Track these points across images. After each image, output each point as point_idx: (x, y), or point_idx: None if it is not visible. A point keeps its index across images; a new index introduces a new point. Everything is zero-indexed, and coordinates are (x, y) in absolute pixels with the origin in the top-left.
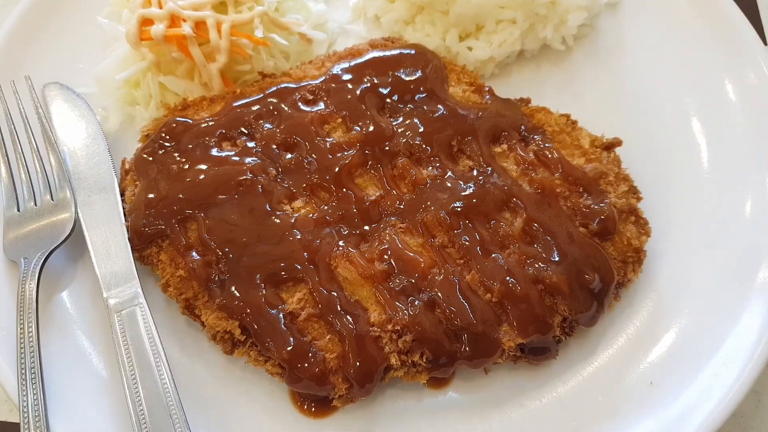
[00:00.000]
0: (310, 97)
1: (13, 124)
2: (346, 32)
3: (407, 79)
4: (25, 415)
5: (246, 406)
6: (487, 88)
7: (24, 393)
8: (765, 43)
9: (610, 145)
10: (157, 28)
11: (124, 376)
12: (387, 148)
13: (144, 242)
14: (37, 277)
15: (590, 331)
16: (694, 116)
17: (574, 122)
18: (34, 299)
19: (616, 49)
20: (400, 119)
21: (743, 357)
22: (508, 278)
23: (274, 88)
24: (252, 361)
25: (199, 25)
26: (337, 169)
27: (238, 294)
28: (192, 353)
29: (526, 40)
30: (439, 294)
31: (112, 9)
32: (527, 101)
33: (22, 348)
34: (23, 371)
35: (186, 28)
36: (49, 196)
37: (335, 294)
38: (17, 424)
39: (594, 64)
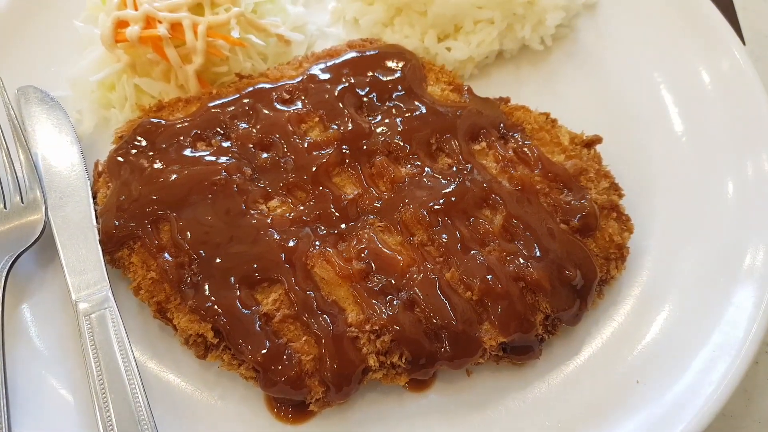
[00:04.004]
0: (287, 97)
1: None
2: (325, 35)
3: (385, 78)
4: None
5: (220, 413)
6: (465, 87)
7: None
8: (744, 44)
9: (591, 143)
10: (132, 30)
11: (91, 382)
12: (365, 147)
13: (115, 244)
14: (3, 281)
15: (574, 330)
16: (673, 111)
17: (554, 120)
18: (0, 303)
19: (594, 48)
20: (378, 118)
21: (731, 352)
22: (488, 276)
23: (251, 88)
24: (225, 366)
25: (175, 27)
26: (314, 168)
27: (211, 296)
28: (164, 359)
29: (505, 40)
30: (419, 293)
31: (88, 13)
32: (506, 100)
33: None
34: None
35: (161, 30)
36: (19, 198)
37: (312, 294)
38: None
39: (573, 63)
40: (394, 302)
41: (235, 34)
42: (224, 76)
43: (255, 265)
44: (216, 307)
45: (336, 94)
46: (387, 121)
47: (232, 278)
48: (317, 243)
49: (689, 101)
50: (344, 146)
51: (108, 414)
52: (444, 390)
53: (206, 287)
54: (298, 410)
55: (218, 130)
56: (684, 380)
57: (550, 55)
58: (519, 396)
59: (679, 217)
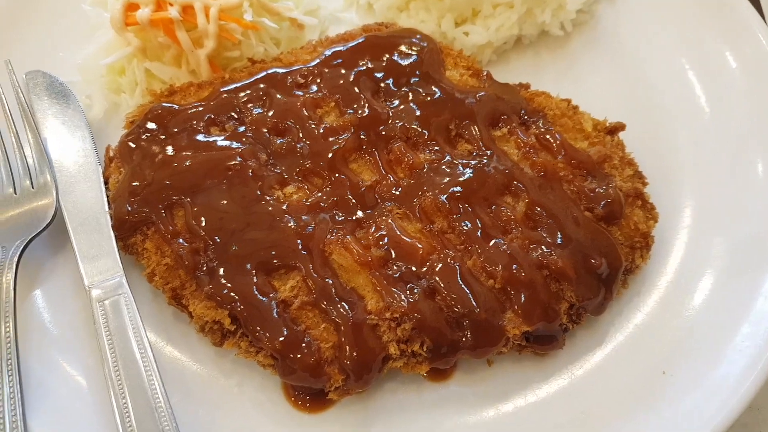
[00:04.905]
0: (302, 81)
1: None
2: (338, 20)
3: (402, 62)
4: (0, 409)
5: (237, 401)
6: (484, 72)
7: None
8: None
9: (614, 129)
10: (143, 12)
11: (106, 369)
12: (382, 133)
13: (128, 230)
14: (15, 266)
15: (598, 321)
16: (698, 96)
17: (575, 107)
18: (12, 289)
19: (615, 35)
20: (396, 103)
21: (760, 343)
22: (511, 263)
23: (265, 73)
24: (243, 353)
25: (187, 10)
26: (330, 154)
27: (227, 282)
28: (179, 347)
29: (524, 25)
30: (439, 281)
31: None
32: (527, 86)
33: None
34: None
35: (173, 12)
36: (29, 183)
37: (330, 281)
38: None
39: (593, 50)
40: (415, 290)
41: (248, 17)
42: (236, 61)
43: (272, 252)
44: (233, 293)
45: (352, 78)
46: (405, 106)
47: (249, 265)
48: (335, 230)
49: (715, 86)
50: (361, 132)
51: (124, 401)
52: (464, 380)
53: (222, 273)
54: (316, 399)
55: (232, 114)
56: (712, 372)
57: (569, 41)
58: (542, 387)
59: (707, 205)
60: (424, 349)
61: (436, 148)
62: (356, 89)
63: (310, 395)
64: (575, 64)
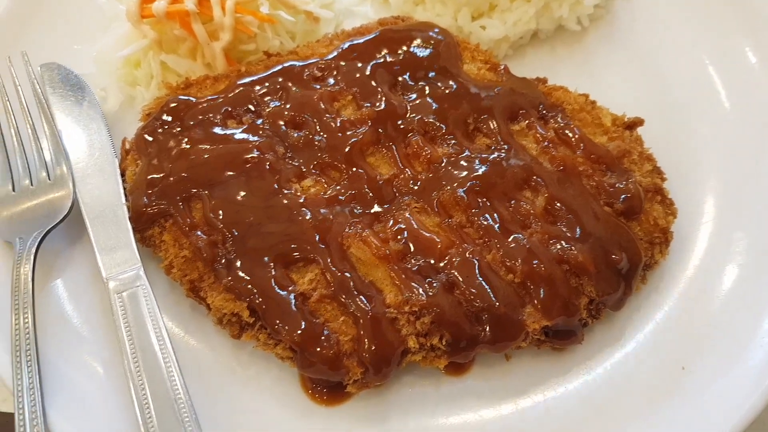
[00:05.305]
0: (319, 74)
1: (9, 101)
2: (353, 14)
3: (419, 55)
4: (20, 400)
5: (254, 393)
6: (502, 67)
7: (18, 377)
8: None
9: (632, 125)
10: (159, 4)
11: (125, 360)
12: (400, 126)
13: (146, 222)
14: (33, 258)
15: (616, 316)
16: (718, 92)
17: (593, 102)
18: (30, 280)
19: (631, 30)
20: (413, 96)
21: None
22: (530, 258)
23: (282, 66)
24: (261, 345)
25: (203, 2)
26: (348, 148)
27: (246, 274)
28: (197, 339)
29: (541, 19)
30: (458, 275)
31: None
32: (544, 80)
33: (16, 331)
34: (18, 354)
35: (189, 4)
36: (45, 175)
37: (348, 275)
38: (11, 414)
39: (610, 45)
40: (434, 284)
41: (264, 10)
42: (251, 55)
43: (290, 245)
44: (252, 286)
45: (369, 71)
46: (422, 100)
47: (267, 257)
48: (353, 223)
49: (734, 81)
50: (379, 125)
51: (143, 392)
52: (482, 374)
53: (241, 266)
54: (334, 392)
55: (249, 107)
56: (732, 368)
57: (585, 37)
58: (560, 381)
59: (727, 201)
60: (443, 343)
61: (454, 142)
62: (373, 83)
63: (328, 388)
64: (591, 59)
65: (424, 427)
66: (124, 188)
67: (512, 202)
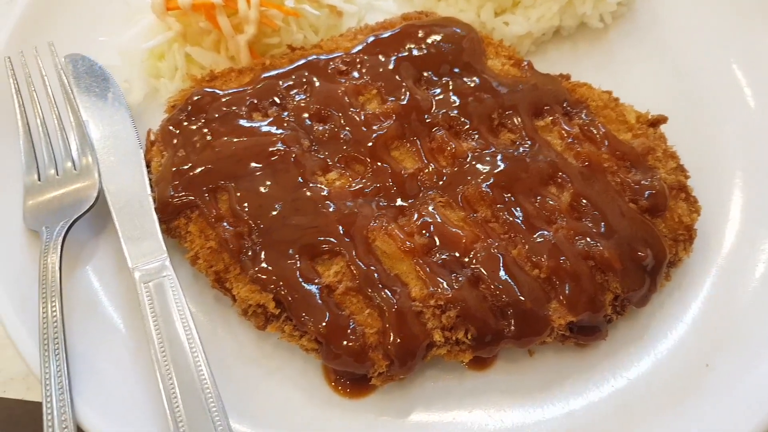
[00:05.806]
0: (344, 68)
1: (35, 90)
2: (375, 8)
3: (444, 50)
4: (48, 388)
5: (278, 385)
6: (526, 62)
7: (46, 366)
8: None
9: (656, 122)
10: None
11: (152, 350)
12: (425, 121)
13: (171, 213)
14: (60, 247)
15: (639, 313)
16: (743, 89)
17: (617, 99)
18: (57, 269)
19: (654, 27)
20: (438, 91)
21: None
22: (556, 253)
23: (306, 59)
24: (286, 337)
25: None
26: (372, 141)
27: (272, 266)
28: (221, 329)
29: (564, 16)
30: (483, 269)
31: None
32: (567, 77)
33: (44, 320)
34: (46, 343)
35: None
36: (71, 165)
37: (373, 268)
38: (39, 404)
39: (632, 42)
40: (459, 278)
41: (289, 3)
42: (275, 48)
43: (316, 237)
44: (277, 277)
45: (394, 66)
46: (446, 94)
47: (292, 249)
48: (378, 216)
49: (761, 78)
50: (403, 120)
51: (171, 382)
52: (505, 369)
53: (266, 258)
54: (357, 384)
55: (274, 100)
56: (756, 366)
57: (607, 34)
58: (582, 378)
59: (752, 199)
60: (469, 338)
61: (479, 137)
62: (398, 77)
63: (351, 380)
64: (614, 56)
65: (447, 421)
66: (150, 179)
67: (537, 197)
